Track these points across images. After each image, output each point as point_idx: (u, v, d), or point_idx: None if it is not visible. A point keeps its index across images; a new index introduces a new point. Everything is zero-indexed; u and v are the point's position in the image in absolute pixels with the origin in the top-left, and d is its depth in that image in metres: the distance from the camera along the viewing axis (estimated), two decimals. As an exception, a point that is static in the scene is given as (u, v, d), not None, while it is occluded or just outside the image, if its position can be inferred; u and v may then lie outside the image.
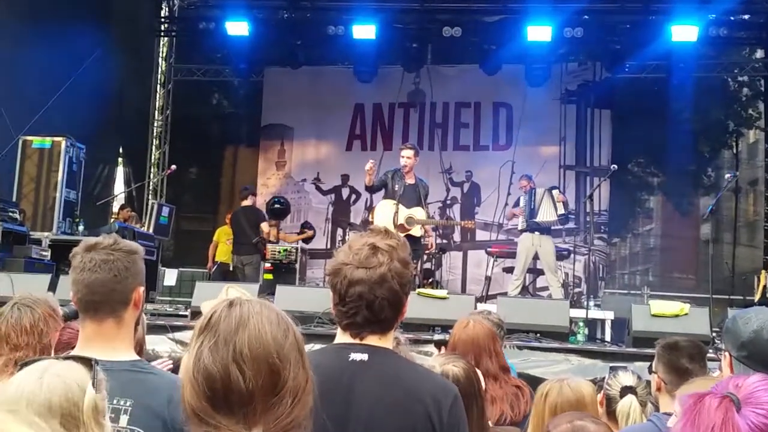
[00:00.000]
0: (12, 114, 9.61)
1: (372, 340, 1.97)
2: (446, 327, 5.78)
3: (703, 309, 7.06)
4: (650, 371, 3.17)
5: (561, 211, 9.70)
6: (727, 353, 2.22)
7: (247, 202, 10.53)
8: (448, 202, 13.32)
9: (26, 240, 8.70)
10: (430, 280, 10.96)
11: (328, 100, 13.66)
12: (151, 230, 10.25)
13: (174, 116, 14.36)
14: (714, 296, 8.00)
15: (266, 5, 13.58)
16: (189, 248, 13.27)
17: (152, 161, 14.28)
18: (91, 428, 1.49)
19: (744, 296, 10.59)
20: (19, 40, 9.89)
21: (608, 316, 8.20)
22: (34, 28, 10.00)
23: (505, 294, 9.72)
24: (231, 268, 10.67)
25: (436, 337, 4.44)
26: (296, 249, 10.92)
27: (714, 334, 6.69)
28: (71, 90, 10.41)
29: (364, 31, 12.24)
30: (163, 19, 14.56)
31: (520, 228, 9.85)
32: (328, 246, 13.06)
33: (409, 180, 8.40)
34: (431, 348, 5.14)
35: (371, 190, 8.62)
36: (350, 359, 1.93)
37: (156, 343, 6.30)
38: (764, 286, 9.58)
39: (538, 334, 6.80)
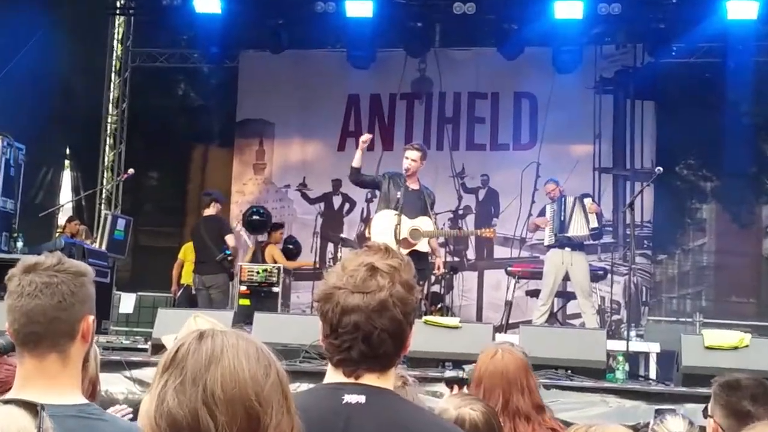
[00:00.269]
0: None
1: (370, 379, 1.96)
2: (459, 362, 5.79)
3: (767, 340, 7.07)
4: (705, 415, 3.19)
5: (594, 224, 9.72)
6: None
7: (209, 211, 10.49)
8: (460, 212, 13.32)
9: (-48, 259, 8.69)
10: (440, 305, 10.98)
11: (317, 91, 13.68)
12: (104, 247, 10.24)
13: (131, 110, 14.36)
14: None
15: (242, -23, 13.64)
16: (149, 268, 13.29)
17: (105, 164, 14.28)
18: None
19: (816, 324, 10.62)
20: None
21: (653, 348, 8.23)
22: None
23: (529, 322, 9.74)
24: (194, 292, 10.66)
25: (447, 374, 4.43)
26: (277, 269, 10.55)
27: (781, 370, 6.70)
28: (7, 80, 10.41)
29: (360, 7, 12.21)
30: (118, -6, 14.63)
31: (546, 243, 9.87)
32: (317, 266, 13.05)
33: (412, 185, 8.38)
34: (441, 387, 5.13)
35: (356, 180, 8.56)
36: (344, 402, 1.92)
37: (110, 382, 6.26)
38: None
39: (569, 371, 6.80)
